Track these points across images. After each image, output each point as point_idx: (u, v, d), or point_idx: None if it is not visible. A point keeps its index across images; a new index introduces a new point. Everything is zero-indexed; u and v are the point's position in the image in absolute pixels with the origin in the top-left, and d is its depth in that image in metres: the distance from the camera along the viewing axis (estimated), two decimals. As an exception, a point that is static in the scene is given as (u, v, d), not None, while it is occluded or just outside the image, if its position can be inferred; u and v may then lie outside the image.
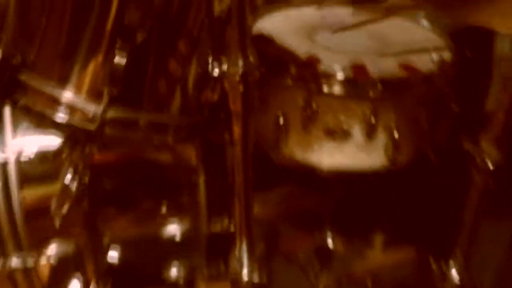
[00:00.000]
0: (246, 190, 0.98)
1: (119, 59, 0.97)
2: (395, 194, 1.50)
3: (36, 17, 1.00)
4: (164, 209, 1.29)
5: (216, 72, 0.89)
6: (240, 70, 0.87)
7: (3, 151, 1.04)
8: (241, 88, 0.87)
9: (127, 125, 1.02)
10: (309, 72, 1.18)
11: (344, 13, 1.46)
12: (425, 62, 1.24)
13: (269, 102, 1.26)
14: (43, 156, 1.12)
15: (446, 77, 1.21)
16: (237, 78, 0.87)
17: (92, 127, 0.98)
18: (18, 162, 1.04)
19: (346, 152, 1.23)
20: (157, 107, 1.07)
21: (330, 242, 1.47)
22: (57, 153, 1.11)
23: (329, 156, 1.24)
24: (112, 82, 0.98)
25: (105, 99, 0.98)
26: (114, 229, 1.24)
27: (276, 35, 1.34)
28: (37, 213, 1.10)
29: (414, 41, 1.35)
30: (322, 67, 1.22)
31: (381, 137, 1.22)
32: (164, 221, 1.29)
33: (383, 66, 1.23)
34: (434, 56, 1.20)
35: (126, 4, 0.96)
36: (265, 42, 1.32)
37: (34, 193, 1.08)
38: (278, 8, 1.47)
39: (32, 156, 1.10)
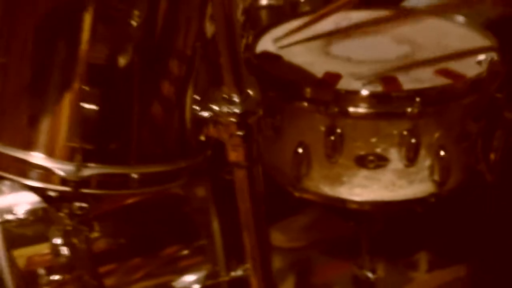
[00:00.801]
0: (256, 222, 0.68)
1: (91, 106, 0.69)
2: (443, 217, 1.19)
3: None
4: (180, 256, 1.11)
5: (205, 113, 0.59)
6: (237, 110, 0.57)
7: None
8: (239, 133, 0.57)
9: (115, 183, 0.76)
10: (328, 91, 0.88)
11: (359, 17, 1.15)
12: (468, 65, 0.93)
13: (285, 132, 0.97)
14: (31, 217, 0.96)
15: (496, 80, 0.90)
16: (234, 120, 0.57)
17: (68, 189, 0.74)
18: (4, 223, 0.92)
19: (383, 182, 0.93)
20: (149, 156, 0.78)
21: (368, 269, 1.16)
22: (44, 214, 0.94)
23: (363, 189, 0.94)
24: (85, 134, 0.72)
25: (79, 156, 0.70)
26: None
27: (283, 52, 1.05)
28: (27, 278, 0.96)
29: (450, 41, 1.03)
30: (343, 83, 0.92)
31: (424, 160, 0.91)
32: (180, 270, 1.10)
33: (418, 75, 0.92)
34: (479, 56, 0.88)
35: (96, 40, 0.67)
36: (271, 61, 1.03)
37: (23, 255, 0.95)
38: (285, 22, 1.17)
39: (20, 216, 0.95)
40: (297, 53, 1.06)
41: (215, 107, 0.59)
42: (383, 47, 1.05)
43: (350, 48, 1.05)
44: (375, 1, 1.20)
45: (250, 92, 0.60)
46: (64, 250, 0.86)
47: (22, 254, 0.94)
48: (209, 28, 0.79)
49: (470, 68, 0.93)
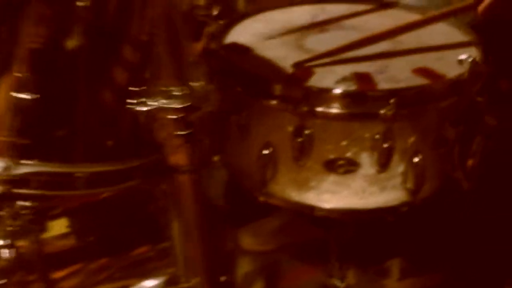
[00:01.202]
0: (200, 233, 0.60)
1: (27, 96, 0.61)
2: (416, 224, 1.14)
3: None
4: (145, 258, 1.01)
5: (142, 108, 0.50)
6: (176, 105, 0.48)
7: None
8: (179, 132, 0.49)
9: (57, 183, 0.69)
10: (298, 88, 0.81)
11: (336, 10, 1.08)
12: (449, 65, 0.86)
13: (251, 131, 0.89)
14: None
15: (477, 82, 0.83)
16: (172, 117, 0.48)
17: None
18: None
19: (353, 188, 0.86)
20: (96, 153, 0.70)
21: (338, 277, 1.10)
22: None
23: (332, 195, 0.87)
24: (21, 127, 0.64)
25: (13, 151, 0.62)
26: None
27: (255, 43, 0.97)
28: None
29: (432, 38, 0.96)
30: (315, 80, 0.85)
31: (397, 166, 0.84)
32: (144, 273, 1.00)
33: (395, 74, 0.85)
34: (460, 55, 0.82)
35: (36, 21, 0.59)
36: (240, 54, 0.95)
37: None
38: (261, 11, 1.09)
39: None
40: (269, 46, 0.98)
41: (152, 102, 0.50)
42: (359, 42, 0.98)
43: (325, 42, 0.98)
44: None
45: (197, 84, 0.51)
46: (5, 253, 0.78)
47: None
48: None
49: (451, 68, 0.86)
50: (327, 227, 1.17)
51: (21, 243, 0.84)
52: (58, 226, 0.97)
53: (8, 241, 0.78)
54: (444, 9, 0.97)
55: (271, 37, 0.99)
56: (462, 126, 0.85)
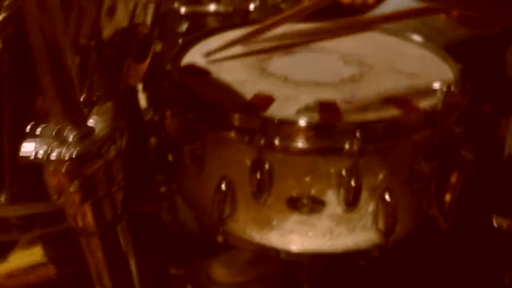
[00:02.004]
0: None
1: None
2: (391, 262, 1.04)
3: None
4: None
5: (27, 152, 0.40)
6: (66, 155, 0.39)
7: None
8: (72, 189, 0.39)
9: None
10: (255, 118, 0.72)
11: (307, 29, 1.00)
12: (422, 93, 0.77)
13: (207, 162, 0.80)
14: None
15: (453, 113, 0.75)
16: (62, 170, 0.39)
17: None
18: None
19: (319, 228, 0.77)
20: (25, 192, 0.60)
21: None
22: None
23: (296, 235, 0.78)
24: None
25: None
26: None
27: (213, 66, 0.88)
28: None
29: (405, 64, 0.88)
30: (275, 108, 0.76)
31: (367, 204, 0.76)
32: None
33: (363, 103, 0.77)
34: (436, 84, 0.73)
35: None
36: (196, 77, 0.86)
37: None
38: (224, 30, 1.01)
39: None
40: (229, 68, 0.89)
41: (39, 149, 0.40)
42: (328, 66, 0.90)
43: (289, 65, 0.89)
44: (329, 14, 1.05)
45: (97, 122, 0.41)
46: None
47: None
48: (108, 27, 0.62)
49: (424, 97, 0.78)
50: (298, 263, 1.08)
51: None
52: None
53: None
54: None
55: (232, 58, 0.90)
56: (438, 161, 0.76)
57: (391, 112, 0.76)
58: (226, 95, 0.81)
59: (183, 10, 1.23)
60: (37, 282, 1.15)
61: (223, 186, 0.79)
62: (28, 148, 0.38)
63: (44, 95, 0.38)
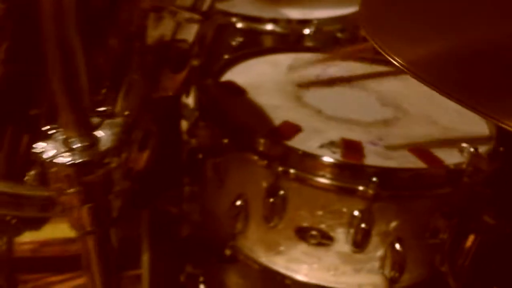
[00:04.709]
0: None
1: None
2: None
3: None
4: None
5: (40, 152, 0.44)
6: (67, 160, 0.41)
7: None
8: (71, 190, 0.42)
9: (8, 203, 0.64)
10: (277, 145, 0.73)
11: (353, 67, 1.00)
12: (452, 151, 0.76)
13: (227, 177, 0.82)
14: None
15: (479, 175, 0.72)
16: (63, 173, 0.42)
17: None
18: None
19: (325, 262, 0.77)
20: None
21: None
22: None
23: (301, 265, 0.78)
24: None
25: None
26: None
27: (252, 87, 0.90)
28: None
29: (442, 116, 0.86)
30: (300, 139, 0.77)
31: (376, 249, 0.75)
32: None
33: (389, 149, 0.76)
34: (465, 144, 0.72)
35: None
36: (232, 94, 0.88)
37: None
38: (273, 51, 1.03)
39: None
40: (266, 91, 0.91)
41: (48, 152, 0.43)
42: (363, 105, 0.89)
43: (326, 98, 0.90)
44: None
45: (106, 133, 0.44)
46: None
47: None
48: (152, 35, 0.65)
49: (451, 154, 0.76)
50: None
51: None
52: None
53: None
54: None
55: (271, 82, 0.92)
56: (456, 220, 0.74)
57: (414, 162, 0.74)
58: (256, 117, 0.82)
59: (239, 25, 1.25)
60: (68, 253, 1.20)
61: (238, 203, 0.80)
62: (39, 146, 0.41)
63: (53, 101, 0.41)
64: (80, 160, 0.41)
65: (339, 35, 1.29)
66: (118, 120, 0.43)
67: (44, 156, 0.40)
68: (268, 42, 1.30)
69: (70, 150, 0.41)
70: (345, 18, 1.31)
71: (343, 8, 1.33)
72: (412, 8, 0.58)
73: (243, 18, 1.24)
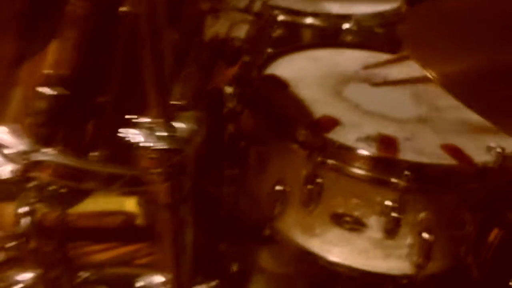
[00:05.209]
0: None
1: (54, 92, 0.65)
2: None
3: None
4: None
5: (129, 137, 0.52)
6: (158, 145, 0.50)
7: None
8: (157, 170, 0.51)
9: (69, 174, 0.72)
10: (317, 137, 0.80)
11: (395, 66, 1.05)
12: (480, 148, 0.81)
13: (268, 164, 0.89)
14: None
15: (506, 175, 0.78)
16: (153, 156, 0.50)
17: (19, 167, 0.71)
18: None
19: (357, 247, 0.84)
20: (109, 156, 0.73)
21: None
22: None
23: (335, 247, 0.85)
24: (47, 121, 0.69)
25: (36, 139, 0.69)
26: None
27: (294, 80, 0.96)
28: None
29: (473, 115, 0.91)
30: (338, 132, 0.83)
31: (405, 237, 0.81)
32: (148, 267, 0.99)
33: (423, 145, 0.82)
34: (493, 144, 0.77)
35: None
36: (276, 87, 0.95)
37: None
38: (313, 47, 1.09)
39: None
40: (307, 85, 0.97)
41: (138, 135, 0.52)
42: (399, 102, 0.95)
43: (363, 94, 0.96)
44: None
45: (182, 127, 0.52)
46: (25, 221, 0.83)
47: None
48: (209, 31, 0.73)
49: (481, 152, 0.81)
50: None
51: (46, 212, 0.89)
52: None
53: (28, 209, 0.82)
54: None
55: (312, 76, 0.98)
56: (481, 214, 0.80)
57: (445, 159, 0.80)
58: (298, 109, 0.89)
59: (281, 17, 1.30)
60: (105, 226, 1.29)
61: (278, 188, 0.87)
62: (128, 132, 0.49)
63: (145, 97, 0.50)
64: (165, 147, 0.49)
65: (377, 30, 1.32)
66: (192, 113, 0.51)
67: (134, 140, 0.49)
68: (307, 35, 1.33)
69: (156, 136, 0.50)
70: (383, 14, 1.34)
71: (382, 3, 1.36)
72: (448, 30, 0.64)
73: (285, 11, 1.28)
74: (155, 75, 0.47)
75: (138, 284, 1.04)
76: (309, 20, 1.27)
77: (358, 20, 1.26)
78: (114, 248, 1.20)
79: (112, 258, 1.09)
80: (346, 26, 1.27)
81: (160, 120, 0.49)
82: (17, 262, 0.99)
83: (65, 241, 1.16)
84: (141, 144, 0.49)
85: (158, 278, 1.05)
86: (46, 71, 0.66)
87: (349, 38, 1.28)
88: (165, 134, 0.50)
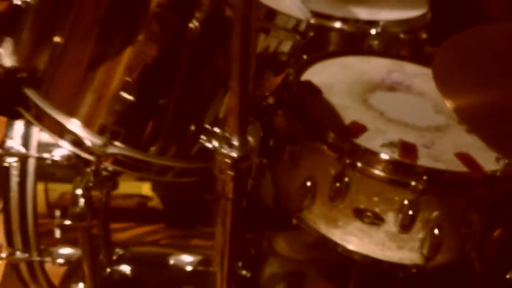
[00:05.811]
0: (229, 254, 0.75)
1: (129, 97, 0.77)
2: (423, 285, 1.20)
3: (52, 39, 0.83)
4: (191, 235, 1.15)
5: (208, 145, 0.65)
6: (234, 154, 0.63)
7: (26, 147, 1.00)
8: (230, 173, 0.64)
9: (135, 166, 0.84)
10: (347, 142, 0.92)
11: (416, 72, 1.16)
12: (491, 157, 0.93)
13: (300, 162, 1.01)
14: (65, 161, 1.02)
15: (509, 182, 0.90)
16: (228, 161, 0.63)
17: (92, 158, 0.83)
18: (39, 159, 0.99)
19: (374, 238, 0.96)
20: (169, 151, 0.85)
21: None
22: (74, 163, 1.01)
23: (355, 238, 0.98)
24: (120, 119, 0.81)
25: (109, 134, 0.81)
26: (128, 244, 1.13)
27: (326, 86, 1.08)
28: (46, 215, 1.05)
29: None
30: (365, 137, 0.95)
31: (418, 232, 0.94)
32: (184, 247, 1.14)
33: (439, 152, 0.94)
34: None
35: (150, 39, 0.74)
36: (310, 93, 1.07)
37: (56, 189, 1.03)
38: (343, 54, 1.20)
39: (53, 157, 1.02)
40: (337, 92, 1.09)
41: (216, 144, 0.65)
42: (420, 111, 1.06)
43: (388, 102, 1.07)
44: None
45: (250, 138, 0.65)
46: (81, 202, 0.92)
47: (56, 188, 1.01)
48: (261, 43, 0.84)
49: (491, 161, 0.93)
50: (351, 260, 1.26)
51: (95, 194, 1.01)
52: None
53: (87, 193, 0.93)
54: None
55: (342, 83, 1.10)
56: (486, 216, 0.92)
57: (458, 166, 0.92)
58: (330, 114, 1.01)
59: (311, 21, 1.38)
60: (134, 207, 1.37)
61: (308, 183, 1.00)
62: (205, 138, 0.63)
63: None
64: (237, 154, 0.62)
65: (402, 36, 1.40)
66: (257, 125, 0.64)
67: (210, 146, 0.62)
68: (334, 38, 1.40)
69: (230, 145, 0.63)
70: (409, 21, 1.42)
71: (409, 10, 1.44)
72: (471, 67, 0.75)
73: (315, 14, 1.37)
74: (240, 95, 0.59)
75: (171, 261, 1.17)
76: (337, 25, 1.35)
77: (384, 26, 1.33)
78: (132, 228, 1.28)
79: (131, 237, 1.14)
80: (373, 31, 1.34)
81: (236, 133, 0.61)
82: (67, 238, 1.09)
83: (107, 220, 1.25)
84: (219, 150, 0.62)
85: (187, 257, 1.18)
86: (125, 78, 0.78)
87: (375, 43, 1.37)
88: (239, 144, 0.62)
